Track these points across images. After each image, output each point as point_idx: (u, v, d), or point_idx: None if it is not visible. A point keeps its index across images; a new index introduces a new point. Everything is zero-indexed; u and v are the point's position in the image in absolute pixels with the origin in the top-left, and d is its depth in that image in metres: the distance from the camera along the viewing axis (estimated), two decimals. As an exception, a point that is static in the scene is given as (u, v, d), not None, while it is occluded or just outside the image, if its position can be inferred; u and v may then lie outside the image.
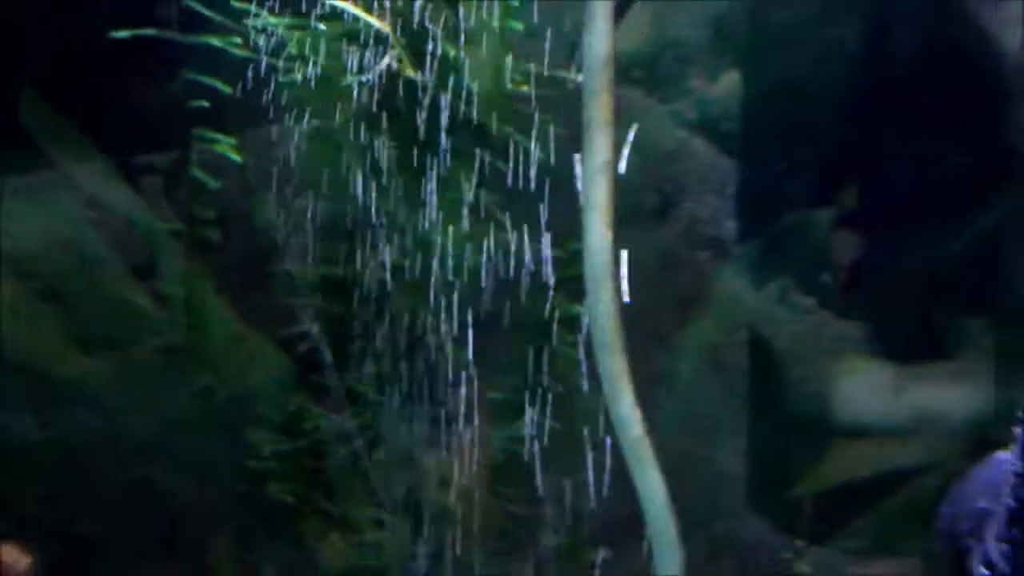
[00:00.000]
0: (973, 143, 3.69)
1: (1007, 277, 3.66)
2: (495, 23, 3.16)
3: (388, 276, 3.21)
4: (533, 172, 3.09)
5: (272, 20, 3.08)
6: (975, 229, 3.58)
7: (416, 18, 3.11)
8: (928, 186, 3.67)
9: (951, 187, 3.69)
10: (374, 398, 3.29)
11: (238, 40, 3.12)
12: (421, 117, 3.11)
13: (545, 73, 3.12)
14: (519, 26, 3.16)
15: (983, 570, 2.41)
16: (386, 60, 3.11)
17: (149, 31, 3.13)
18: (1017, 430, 2.28)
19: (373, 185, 3.14)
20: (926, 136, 3.69)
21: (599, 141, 2.71)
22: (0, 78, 3.31)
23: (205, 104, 3.14)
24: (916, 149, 3.67)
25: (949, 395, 3.56)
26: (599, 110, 2.71)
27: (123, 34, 3.09)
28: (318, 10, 3.14)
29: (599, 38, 2.70)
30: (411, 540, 3.36)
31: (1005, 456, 2.35)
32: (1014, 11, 3.43)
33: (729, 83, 3.45)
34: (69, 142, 3.30)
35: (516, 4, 3.19)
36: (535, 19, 3.15)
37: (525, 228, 3.12)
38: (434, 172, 3.13)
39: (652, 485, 2.77)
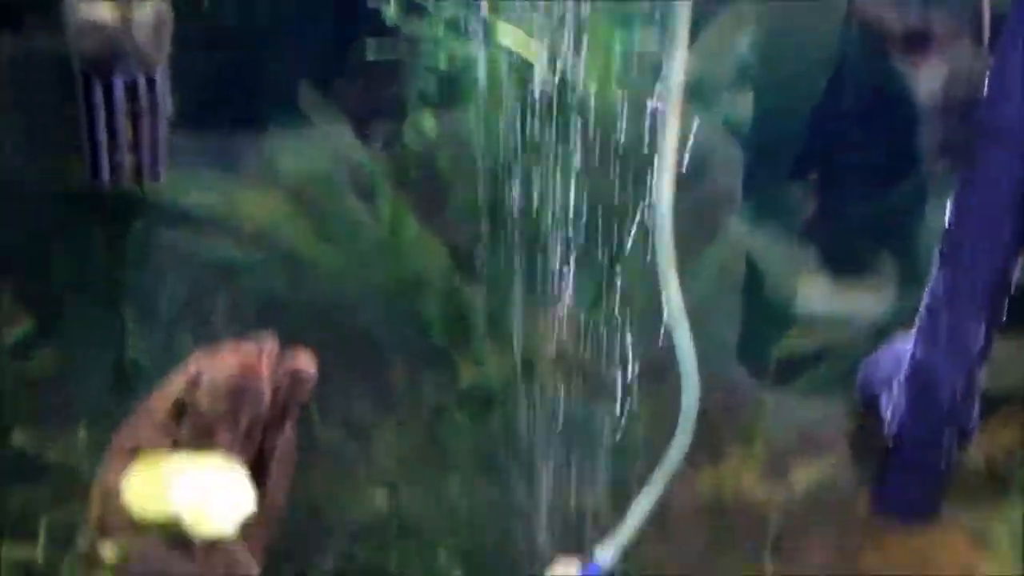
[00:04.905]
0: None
1: (910, 227, 4.28)
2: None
3: (518, 207, 3.79)
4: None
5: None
6: (895, 195, 4.34)
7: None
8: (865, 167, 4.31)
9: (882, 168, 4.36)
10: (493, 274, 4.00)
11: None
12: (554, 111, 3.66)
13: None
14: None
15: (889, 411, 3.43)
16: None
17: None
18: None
19: (519, 155, 3.73)
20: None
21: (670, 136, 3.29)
22: (287, 75, 4.11)
23: (419, 92, 3.90)
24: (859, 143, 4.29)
25: (866, 301, 4.29)
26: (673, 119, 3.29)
27: (372, 56, 3.92)
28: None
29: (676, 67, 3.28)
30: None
31: (901, 342, 3.49)
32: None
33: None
34: (328, 115, 4.13)
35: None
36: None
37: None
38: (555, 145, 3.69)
39: (684, 340, 3.48)
